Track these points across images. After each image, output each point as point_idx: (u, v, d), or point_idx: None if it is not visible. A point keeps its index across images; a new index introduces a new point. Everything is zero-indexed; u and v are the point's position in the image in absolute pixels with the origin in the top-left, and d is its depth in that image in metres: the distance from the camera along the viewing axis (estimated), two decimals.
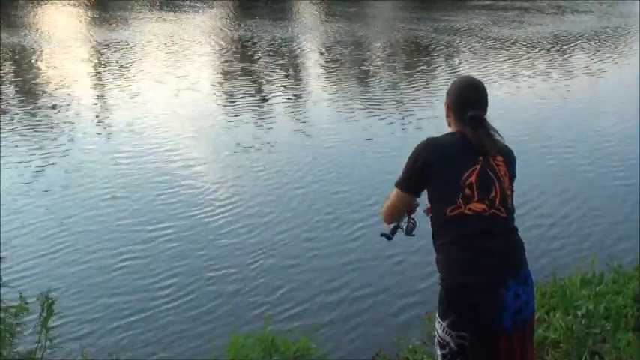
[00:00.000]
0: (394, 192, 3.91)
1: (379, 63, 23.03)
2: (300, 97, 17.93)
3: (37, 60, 23.00)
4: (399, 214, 4.06)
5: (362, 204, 10.22)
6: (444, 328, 3.63)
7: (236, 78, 20.36)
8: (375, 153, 12.79)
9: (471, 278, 3.53)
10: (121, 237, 9.21)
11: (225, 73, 21.17)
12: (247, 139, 13.80)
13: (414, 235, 4.07)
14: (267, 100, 17.56)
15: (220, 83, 19.74)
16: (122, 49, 24.55)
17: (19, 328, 4.56)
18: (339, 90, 18.59)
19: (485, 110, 3.81)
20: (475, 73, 18.77)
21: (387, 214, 4.05)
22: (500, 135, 3.78)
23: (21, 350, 4.58)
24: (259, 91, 18.66)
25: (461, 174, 3.62)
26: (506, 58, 23.20)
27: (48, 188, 11.01)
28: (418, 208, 4.04)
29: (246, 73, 21.15)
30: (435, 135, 3.82)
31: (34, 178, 11.50)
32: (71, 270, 8.34)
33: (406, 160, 3.79)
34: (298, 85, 19.45)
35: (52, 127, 14.68)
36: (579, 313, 5.50)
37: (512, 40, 26.72)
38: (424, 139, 3.78)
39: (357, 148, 13.19)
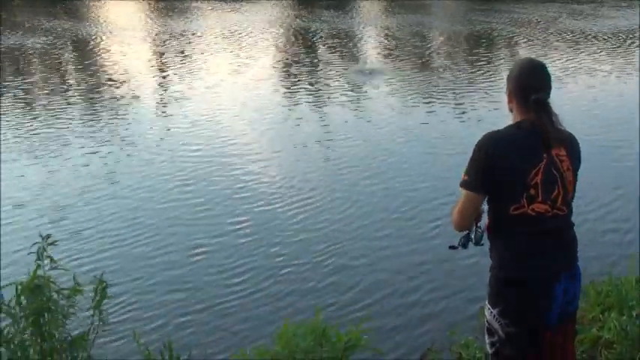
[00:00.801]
0: (462, 195, 3.76)
1: (446, 55, 22.84)
2: (367, 90, 17.87)
3: (103, 51, 23.41)
4: (470, 218, 3.86)
5: (435, 201, 10.08)
6: (494, 316, 3.69)
7: (301, 69, 20.52)
8: (449, 148, 12.57)
9: (527, 274, 3.60)
10: (185, 227, 9.34)
11: (290, 64, 21.31)
12: (316, 132, 13.88)
13: (482, 245, 3.91)
14: (334, 91, 17.55)
15: (287, 75, 19.92)
16: (187, 40, 24.84)
17: (71, 310, 4.63)
18: (407, 82, 18.50)
19: (548, 94, 3.73)
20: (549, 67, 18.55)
21: (457, 220, 3.86)
22: (561, 122, 3.71)
23: (73, 332, 4.66)
24: (326, 83, 18.66)
25: (526, 172, 3.59)
26: (579, 51, 22.78)
27: (115, 177, 11.24)
28: (484, 215, 3.90)
29: (310, 64, 21.28)
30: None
31: (103, 166, 11.78)
32: (131, 257, 8.51)
33: (469, 159, 3.72)
34: (364, 76, 19.34)
35: (119, 117, 14.98)
36: (634, 313, 5.41)
37: (586, 33, 26.23)
38: (484, 134, 3.71)
39: (430, 144, 13.03)
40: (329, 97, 16.86)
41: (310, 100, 16.72)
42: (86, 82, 18.83)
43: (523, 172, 3.59)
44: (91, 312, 4.69)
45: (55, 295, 4.54)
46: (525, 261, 3.62)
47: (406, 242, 8.93)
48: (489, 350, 3.82)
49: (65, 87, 18.47)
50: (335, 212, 9.79)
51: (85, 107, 16.07)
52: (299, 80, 19.06)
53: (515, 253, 3.65)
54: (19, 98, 17.06)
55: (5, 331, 4.35)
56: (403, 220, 9.56)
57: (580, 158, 3.80)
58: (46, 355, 4.50)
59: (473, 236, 3.95)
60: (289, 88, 18.16)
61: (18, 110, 15.86)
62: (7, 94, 17.25)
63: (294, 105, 16.25)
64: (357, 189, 10.71)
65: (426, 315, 7.21)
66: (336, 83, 18.48)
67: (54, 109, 15.81)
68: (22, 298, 4.39)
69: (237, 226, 9.34)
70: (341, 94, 17.15)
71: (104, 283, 4.71)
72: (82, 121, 14.73)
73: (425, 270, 8.20)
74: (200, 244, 8.82)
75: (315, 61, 21.82)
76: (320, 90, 17.77)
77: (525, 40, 25.13)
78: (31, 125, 14.39)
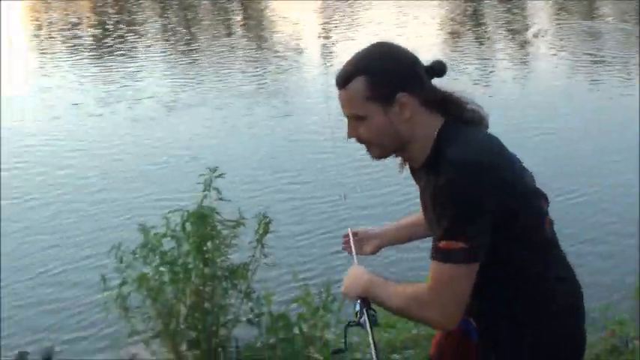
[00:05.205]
0: (450, 273, 2.45)
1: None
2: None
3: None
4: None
5: None
6: None
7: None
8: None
9: None
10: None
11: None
12: None
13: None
14: None
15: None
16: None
17: (234, 241, 4.90)
18: None
19: None
20: None
21: (456, 312, 2.51)
22: None
23: (235, 262, 4.91)
24: None
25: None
26: None
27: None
28: None
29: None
30: None
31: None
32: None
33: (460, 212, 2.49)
34: None
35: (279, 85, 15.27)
36: None
37: None
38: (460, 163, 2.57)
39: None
40: None
41: None
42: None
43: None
44: (254, 244, 4.94)
45: (219, 225, 4.82)
46: None
47: None
48: None
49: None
50: None
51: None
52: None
53: None
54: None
55: (169, 253, 4.69)
56: None
57: None
58: (207, 280, 4.79)
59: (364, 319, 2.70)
60: None
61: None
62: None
63: None
64: None
65: None
66: None
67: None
68: (187, 224, 4.69)
69: None
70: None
71: (267, 218, 4.93)
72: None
73: None
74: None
75: None
76: None
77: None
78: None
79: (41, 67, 17.65)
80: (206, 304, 4.81)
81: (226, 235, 4.83)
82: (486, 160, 2.42)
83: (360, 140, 2.59)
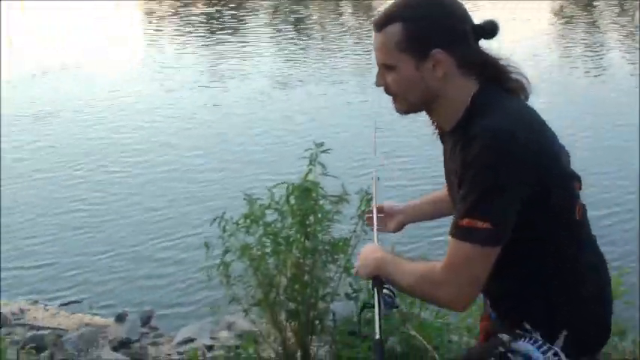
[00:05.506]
0: (470, 255, 2.31)
1: None
2: None
3: None
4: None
5: None
6: None
7: None
8: None
9: None
10: None
11: None
12: None
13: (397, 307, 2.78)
14: None
15: None
16: None
17: (336, 217, 4.94)
18: None
19: None
20: None
21: (472, 292, 2.40)
22: None
23: (336, 236, 4.96)
24: None
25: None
26: None
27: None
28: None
29: None
30: None
31: None
32: None
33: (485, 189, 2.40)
34: None
35: None
36: None
37: None
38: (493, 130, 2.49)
39: None
40: None
41: None
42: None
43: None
44: (355, 220, 4.97)
45: (322, 200, 4.88)
46: None
47: None
48: None
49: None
50: None
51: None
52: None
53: None
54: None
55: (272, 225, 4.78)
56: None
57: None
58: (308, 253, 4.86)
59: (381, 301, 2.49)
60: None
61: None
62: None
63: None
64: None
65: None
66: None
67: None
68: (291, 198, 4.77)
69: None
70: None
71: (369, 195, 4.96)
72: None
73: None
74: None
75: None
76: None
77: None
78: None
79: (154, 45, 18.11)
80: (306, 277, 4.87)
81: (329, 209, 4.89)
82: (526, 132, 2.23)
83: (387, 91, 2.45)
